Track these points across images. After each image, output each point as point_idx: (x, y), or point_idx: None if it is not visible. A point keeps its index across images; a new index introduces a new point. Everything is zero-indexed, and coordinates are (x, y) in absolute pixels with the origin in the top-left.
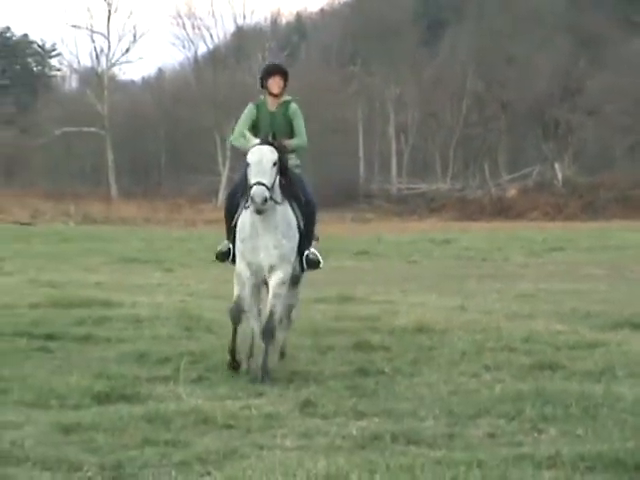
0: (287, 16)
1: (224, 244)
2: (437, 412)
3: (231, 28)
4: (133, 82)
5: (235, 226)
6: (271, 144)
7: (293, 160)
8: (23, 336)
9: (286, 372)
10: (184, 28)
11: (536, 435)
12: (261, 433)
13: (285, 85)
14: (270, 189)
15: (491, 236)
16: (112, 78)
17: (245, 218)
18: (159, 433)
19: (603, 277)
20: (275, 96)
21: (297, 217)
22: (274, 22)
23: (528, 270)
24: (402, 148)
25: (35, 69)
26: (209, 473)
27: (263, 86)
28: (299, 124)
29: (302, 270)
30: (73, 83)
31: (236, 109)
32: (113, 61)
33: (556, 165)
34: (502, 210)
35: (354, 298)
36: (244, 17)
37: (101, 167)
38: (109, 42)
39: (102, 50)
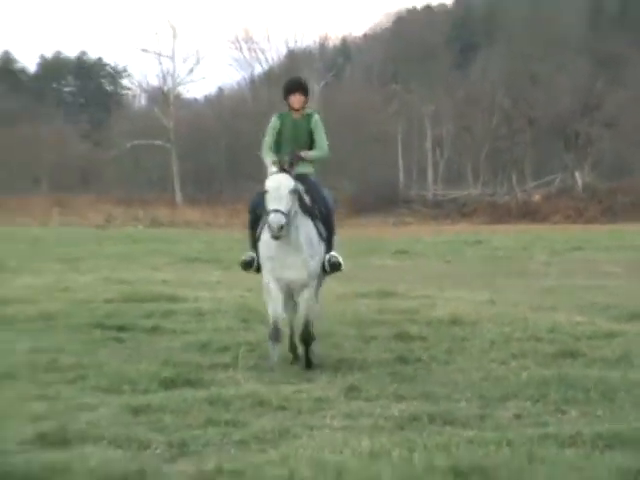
0: (333, 40)
1: (248, 255)
2: (469, 395)
3: (284, 51)
4: (196, 100)
5: (259, 238)
6: (288, 172)
7: (308, 169)
8: (98, 328)
9: (333, 360)
10: (242, 51)
11: (559, 416)
12: (311, 415)
13: (306, 100)
14: (287, 215)
15: (517, 237)
16: (177, 96)
17: (265, 242)
18: (220, 414)
19: (620, 274)
20: (297, 110)
21: (319, 230)
22: (322, 45)
23: (551, 268)
24: (437, 159)
25: (108, 89)
26: (265, 451)
27: (286, 100)
28: (320, 135)
29: (325, 272)
30: (142, 101)
31: None
32: (178, 81)
33: (576, 173)
34: (527, 214)
35: (395, 293)
36: (295, 41)
37: (167, 176)
38: (174, 64)
39: (168, 71)
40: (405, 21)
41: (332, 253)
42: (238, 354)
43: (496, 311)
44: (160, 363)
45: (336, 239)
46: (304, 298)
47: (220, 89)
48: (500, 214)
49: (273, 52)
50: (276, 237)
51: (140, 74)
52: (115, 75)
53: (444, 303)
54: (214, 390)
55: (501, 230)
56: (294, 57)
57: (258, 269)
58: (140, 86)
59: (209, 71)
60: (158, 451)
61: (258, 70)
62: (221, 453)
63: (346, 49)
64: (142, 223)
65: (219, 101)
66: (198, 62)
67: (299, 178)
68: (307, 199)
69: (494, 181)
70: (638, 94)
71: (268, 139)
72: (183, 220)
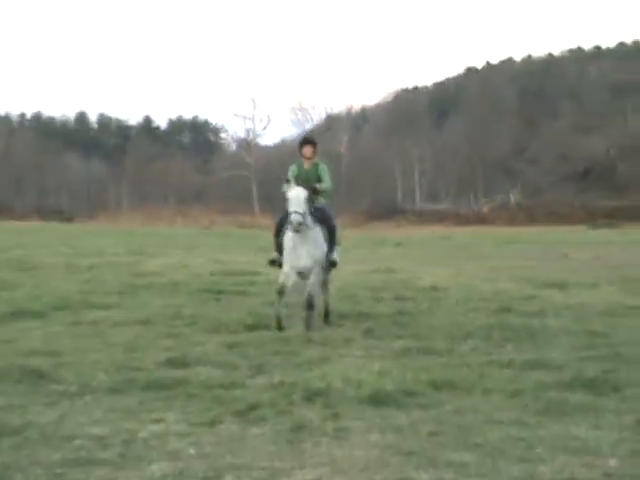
0: (355, 107)
1: (273, 255)
2: (442, 335)
3: (323, 114)
4: (267, 145)
5: (282, 243)
6: (303, 186)
7: (324, 201)
8: (205, 291)
9: (355, 312)
10: (296, 114)
11: (500, 349)
12: (341, 347)
13: (314, 151)
14: (303, 215)
15: (473, 235)
16: (255, 144)
17: (288, 236)
18: (283, 347)
19: (537, 257)
20: (308, 159)
21: (324, 235)
22: (348, 111)
23: (494, 254)
24: (422, 184)
25: (211, 139)
26: (312, 370)
27: (300, 150)
28: (325, 176)
29: (329, 266)
30: (233, 147)
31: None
32: (256, 134)
33: (510, 194)
34: (479, 220)
35: (395, 270)
36: (331, 108)
37: (249, 195)
38: (254, 123)
39: (250, 128)
40: (400, 96)
41: (334, 254)
42: (294, 309)
43: (459, 281)
44: (246, 314)
45: (338, 249)
46: (310, 279)
47: (282, 139)
48: (462, 220)
49: (316, 115)
50: (296, 230)
51: (232, 129)
52: (216, 130)
53: (426, 276)
54: (279, 332)
55: (462, 231)
56: (330, 118)
57: (280, 265)
58: (232, 137)
59: (276, 126)
60: (244, 371)
61: (307, 127)
62: (284, 372)
63: (364, 113)
64: (233, 225)
65: (282, 146)
66: (269, 122)
67: (316, 208)
68: (319, 215)
69: (459, 198)
70: (549, 143)
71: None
72: (259, 224)
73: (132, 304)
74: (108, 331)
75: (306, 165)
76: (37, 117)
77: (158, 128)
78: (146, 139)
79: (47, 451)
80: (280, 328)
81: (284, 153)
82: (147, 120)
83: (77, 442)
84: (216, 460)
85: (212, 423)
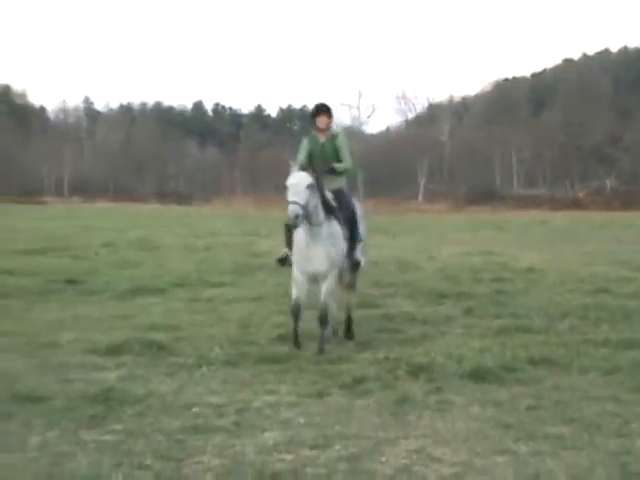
0: (457, 97)
1: (283, 251)
2: (540, 315)
3: (426, 104)
4: (372, 134)
5: (292, 238)
6: (307, 170)
7: (343, 183)
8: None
9: (456, 292)
10: (400, 104)
11: (596, 329)
12: (443, 326)
13: (330, 121)
14: (304, 207)
15: (569, 220)
16: (361, 131)
17: (299, 233)
18: (388, 325)
19: (634, 241)
20: (322, 130)
21: (343, 229)
22: (450, 100)
23: (589, 239)
24: (519, 171)
25: None
26: (415, 347)
27: (313, 123)
28: (345, 152)
29: (352, 268)
30: None
31: (430, 150)
32: (362, 122)
33: (607, 180)
34: (575, 205)
35: (494, 252)
36: (433, 97)
37: (353, 181)
38: (359, 112)
39: (356, 116)
40: (500, 86)
41: (356, 254)
42: (397, 290)
43: (556, 263)
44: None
45: (362, 245)
46: (325, 285)
47: (388, 127)
48: (558, 205)
49: (419, 105)
50: (294, 225)
51: (338, 118)
52: None
53: (524, 259)
54: (385, 310)
55: (558, 215)
56: (432, 107)
57: (291, 264)
58: (338, 126)
59: (381, 115)
60: (350, 346)
61: (410, 116)
62: (389, 348)
63: (465, 103)
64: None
65: (387, 134)
66: (374, 110)
67: (333, 192)
68: (336, 205)
69: (555, 184)
70: None
71: (300, 156)
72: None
73: (245, 283)
74: (223, 308)
75: (321, 138)
76: (157, 106)
77: (269, 117)
78: (258, 127)
79: (168, 419)
80: (297, 344)
81: (389, 140)
82: (259, 109)
83: (195, 410)
84: (324, 429)
85: (320, 395)
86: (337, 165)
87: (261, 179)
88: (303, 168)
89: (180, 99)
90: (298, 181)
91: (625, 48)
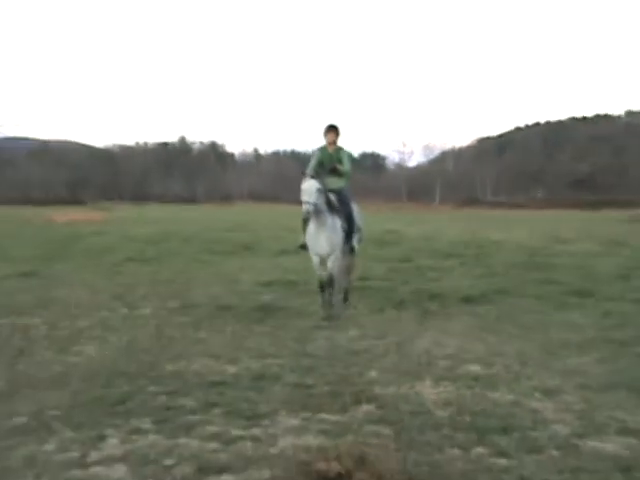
0: (457, 146)
1: (303, 239)
2: (500, 265)
3: (440, 150)
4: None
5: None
6: (315, 179)
7: (343, 184)
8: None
9: (455, 253)
10: (425, 151)
11: (530, 272)
12: (448, 272)
13: (337, 137)
14: (314, 205)
15: (516, 215)
16: (405, 167)
17: (311, 226)
18: (418, 272)
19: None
20: (331, 144)
21: (342, 222)
22: (453, 148)
23: (527, 225)
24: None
25: (380, 163)
26: (433, 284)
27: (325, 137)
28: (345, 160)
29: (349, 252)
30: (392, 167)
31: (441, 175)
32: (405, 160)
33: (538, 192)
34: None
35: (477, 231)
36: (445, 146)
37: (399, 193)
38: (404, 154)
39: (402, 157)
40: (481, 140)
41: (353, 242)
42: (420, 252)
43: (510, 238)
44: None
45: (358, 235)
46: (330, 262)
47: (418, 164)
48: (512, 206)
49: (437, 151)
50: (306, 217)
51: (391, 157)
52: (382, 158)
53: (493, 235)
54: (415, 264)
55: (512, 213)
56: (444, 153)
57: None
58: (391, 162)
59: (416, 156)
60: (397, 281)
61: (431, 157)
62: (418, 284)
63: (460, 151)
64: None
65: (418, 168)
66: (412, 154)
67: (334, 191)
68: (337, 203)
69: (511, 194)
70: None
71: (312, 163)
72: (407, 207)
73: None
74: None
75: (329, 149)
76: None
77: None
78: None
79: (299, 321)
80: (327, 317)
81: (419, 172)
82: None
83: (312, 317)
84: (382, 328)
85: (381, 310)
86: (338, 166)
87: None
88: (313, 177)
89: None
90: (310, 186)
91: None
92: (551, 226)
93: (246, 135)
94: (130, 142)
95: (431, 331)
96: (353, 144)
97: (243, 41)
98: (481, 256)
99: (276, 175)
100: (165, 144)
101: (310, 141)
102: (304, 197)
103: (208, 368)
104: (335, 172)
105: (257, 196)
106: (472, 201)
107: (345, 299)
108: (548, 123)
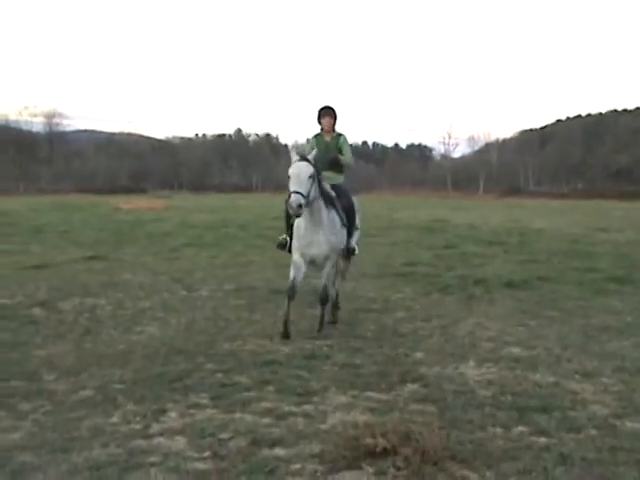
0: (500, 137)
1: (283, 237)
2: (542, 252)
3: (484, 141)
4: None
5: (292, 225)
6: (308, 160)
7: (339, 179)
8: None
9: (498, 241)
10: (470, 141)
11: (572, 260)
12: (490, 258)
13: (334, 122)
14: (306, 197)
15: (560, 205)
16: (450, 157)
17: (300, 220)
18: (464, 258)
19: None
20: (327, 131)
21: (342, 218)
22: (497, 139)
23: (569, 214)
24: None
25: (426, 154)
26: (477, 269)
27: (319, 122)
28: (347, 149)
29: (347, 254)
30: (438, 157)
31: (485, 166)
32: (450, 151)
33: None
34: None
35: (519, 220)
36: (489, 137)
37: (445, 181)
38: (449, 145)
39: (447, 148)
40: (523, 132)
41: (351, 241)
42: (465, 240)
43: (552, 226)
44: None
45: (358, 233)
46: (325, 269)
47: (462, 154)
48: (554, 196)
49: (481, 142)
50: (296, 215)
51: (437, 148)
52: (429, 149)
53: (536, 223)
54: (461, 250)
55: (554, 202)
56: (487, 144)
57: (290, 250)
58: (437, 153)
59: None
60: (442, 268)
61: (476, 148)
62: (464, 270)
63: (504, 143)
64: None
65: (462, 158)
66: (457, 145)
67: (333, 187)
68: (335, 196)
69: (553, 185)
70: None
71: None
72: (453, 196)
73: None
74: (377, 249)
75: (326, 136)
76: None
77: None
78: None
79: (348, 303)
80: (286, 334)
81: (464, 162)
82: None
83: (361, 300)
84: (428, 311)
85: (427, 294)
86: (340, 156)
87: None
88: (304, 158)
89: None
90: (300, 171)
91: None
92: (592, 215)
93: (299, 127)
94: (190, 134)
95: (475, 315)
96: (401, 135)
97: (297, 36)
98: (523, 244)
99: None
100: (222, 136)
101: (359, 132)
102: (292, 186)
103: (262, 348)
104: (335, 165)
105: None
106: (514, 191)
107: (335, 306)
108: (589, 115)
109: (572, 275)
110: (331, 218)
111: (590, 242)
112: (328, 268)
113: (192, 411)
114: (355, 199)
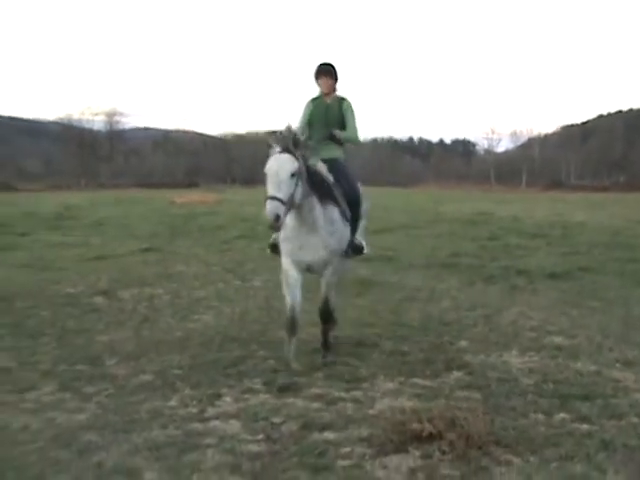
0: (542, 133)
1: (273, 237)
2: (584, 244)
3: (527, 137)
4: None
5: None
6: (291, 152)
7: (338, 153)
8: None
9: (541, 233)
10: (513, 136)
11: (613, 251)
12: (534, 250)
13: (334, 83)
14: (286, 203)
15: (600, 198)
16: (493, 152)
17: (291, 221)
18: (507, 249)
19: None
20: (327, 93)
21: (343, 210)
22: (539, 134)
23: (609, 207)
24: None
25: (470, 149)
26: (520, 260)
27: (317, 84)
28: (351, 119)
29: (347, 254)
30: (482, 152)
31: (528, 161)
32: (494, 146)
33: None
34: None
35: (562, 213)
36: (532, 133)
37: (488, 175)
38: (492, 141)
39: (490, 143)
40: (564, 128)
41: (357, 237)
42: (508, 232)
43: (593, 219)
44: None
45: (362, 224)
46: (325, 277)
47: (506, 149)
48: (596, 189)
49: (524, 137)
50: (272, 228)
51: (481, 143)
52: (473, 144)
53: (577, 216)
54: (504, 241)
55: (596, 196)
56: (530, 139)
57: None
58: (481, 148)
59: (503, 142)
60: (487, 259)
61: (518, 143)
62: (508, 261)
63: (546, 138)
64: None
65: (504, 153)
66: (500, 140)
67: (327, 162)
68: (332, 182)
69: (593, 179)
70: None
71: (300, 122)
72: (495, 190)
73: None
74: (423, 240)
75: (326, 100)
76: None
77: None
78: None
79: (392, 292)
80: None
81: (507, 157)
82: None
83: (406, 289)
84: (473, 301)
85: (471, 284)
86: (339, 133)
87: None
88: (286, 148)
89: None
90: (279, 167)
91: None
92: (633, 208)
93: None
94: (242, 131)
95: (518, 304)
96: (446, 131)
97: (331, 39)
98: (566, 236)
99: (374, 160)
100: (274, 132)
101: (405, 128)
102: (269, 188)
103: (312, 336)
104: (335, 139)
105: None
106: (557, 184)
107: (333, 321)
108: (631, 110)
109: (613, 266)
110: (329, 216)
111: (631, 234)
112: (328, 276)
113: (246, 396)
114: (355, 178)
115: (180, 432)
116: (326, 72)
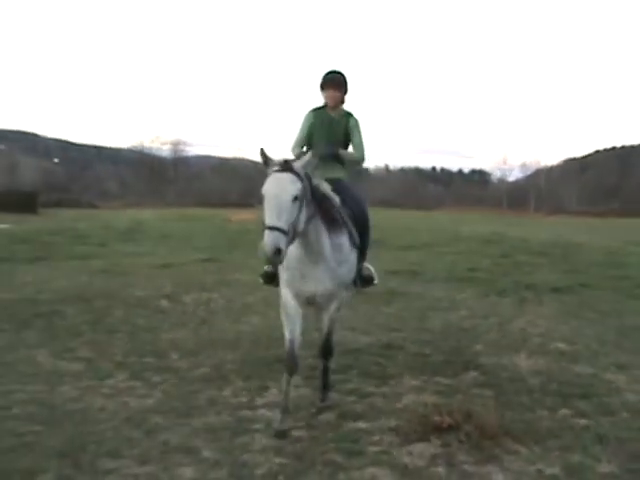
0: (547, 165)
1: (267, 266)
2: (583, 263)
3: (534, 168)
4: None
5: None
6: (292, 170)
7: (341, 174)
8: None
9: (547, 252)
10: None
11: (610, 269)
12: (538, 267)
13: (342, 97)
14: (288, 233)
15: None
16: (505, 180)
17: (294, 249)
18: (516, 265)
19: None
20: (333, 107)
21: (352, 235)
22: (545, 166)
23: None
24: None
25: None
26: (527, 277)
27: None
28: (359, 138)
29: (356, 285)
30: (495, 180)
31: (535, 189)
32: (506, 175)
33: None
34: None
35: (562, 235)
36: (539, 164)
37: (501, 202)
38: (504, 170)
39: (503, 173)
40: (567, 161)
41: (365, 265)
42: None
43: (591, 241)
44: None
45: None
46: (329, 313)
47: (516, 178)
48: (594, 214)
49: (533, 168)
50: (272, 264)
51: (494, 172)
52: (487, 174)
53: (577, 238)
54: (514, 259)
55: (595, 220)
56: (537, 170)
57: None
58: (494, 176)
59: (514, 171)
60: (499, 274)
61: (528, 173)
62: (518, 277)
63: (551, 169)
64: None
65: (515, 182)
66: (512, 170)
67: (331, 182)
68: (339, 204)
69: (592, 204)
70: None
71: (299, 135)
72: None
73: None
74: (445, 257)
75: (331, 113)
76: None
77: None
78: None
79: (416, 301)
80: (282, 433)
81: (517, 185)
82: None
83: (428, 299)
84: (486, 310)
85: (485, 295)
86: (346, 153)
87: None
88: (285, 166)
89: None
90: (280, 189)
91: None
92: (626, 231)
93: (378, 153)
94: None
95: (526, 314)
96: (464, 162)
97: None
98: (567, 255)
99: (401, 186)
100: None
101: (428, 159)
102: (267, 215)
103: (346, 338)
104: (339, 159)
105: (386, 203)
106: (560, 210)
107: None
108: (623, 147)
109: (608, 282)
110: (337, 242)
111: (624, 254)
112: (332, 310)
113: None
114: (363, 197)
115: (232, 418)
116: (336, 84)
